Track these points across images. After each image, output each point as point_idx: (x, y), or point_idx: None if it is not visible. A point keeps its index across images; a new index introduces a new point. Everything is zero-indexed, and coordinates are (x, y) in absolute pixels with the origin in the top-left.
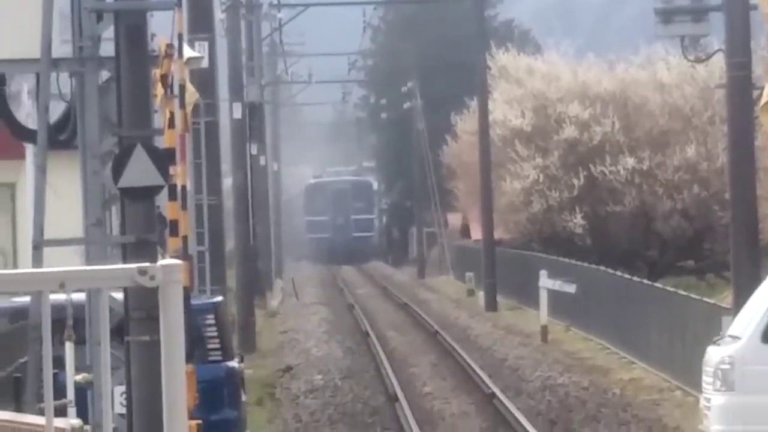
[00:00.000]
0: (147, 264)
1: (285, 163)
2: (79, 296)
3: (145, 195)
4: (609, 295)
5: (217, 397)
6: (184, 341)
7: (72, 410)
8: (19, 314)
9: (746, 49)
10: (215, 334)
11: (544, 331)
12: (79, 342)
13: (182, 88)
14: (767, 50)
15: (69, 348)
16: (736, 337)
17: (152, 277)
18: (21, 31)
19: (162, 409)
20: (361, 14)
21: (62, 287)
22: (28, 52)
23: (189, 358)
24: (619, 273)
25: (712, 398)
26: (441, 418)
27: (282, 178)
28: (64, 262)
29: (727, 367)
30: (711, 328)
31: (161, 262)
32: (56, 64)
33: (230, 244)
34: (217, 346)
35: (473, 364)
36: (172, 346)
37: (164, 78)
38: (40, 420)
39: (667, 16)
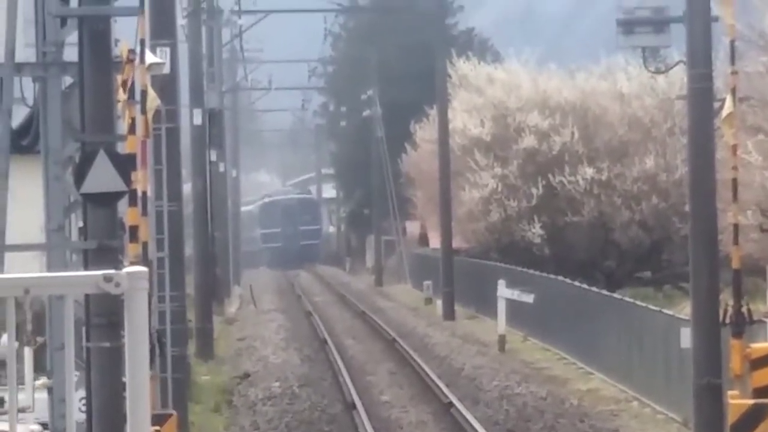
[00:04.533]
0: (112, 271)
1: (244, 169)
2: None
3: (107, 201)
4: (567, 306)
5: None
6: (147, 347)
7: (31, 416)
8: None
9: (707, 60)
10: None
11: (502, 340)
12: None
13: (144, 93)
14: (728, 62)
15: (28, 353)
16: None
17: (117, 284)
18: None
19: (122, 414)
20: (322, 21)
21: (27, 293)
22: None
23: None
24: (577, 283)
25: None
26: (398, 426)
27: (241, 185)
28: (23, 267)
29: None
30: (669, 339)
31: (126, 269)
32: (19, 68)
33: (188, 250)
34: None
35: (431, 373)
36: (137, 352)
37: (125, 83)
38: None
39: (628, 26)
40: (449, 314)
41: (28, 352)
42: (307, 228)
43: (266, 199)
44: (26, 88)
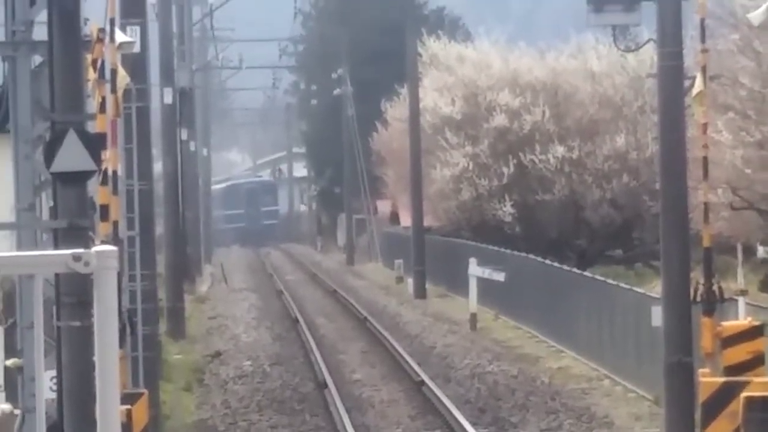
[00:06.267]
0: (82, 250)
1: (215, 148)
2: None
3: (77, 180)
4: (538, 284)
5: None
6: (117, 327)
7: (1, 395)
8: None
9: (678, 38)
10: None
11: (473, 319)
12: None
13: (114, 72)
14: (699, 40)
15: None
16: None
17: (87, 264)
18: None
19: (92, 393)
20: (292, 0)
21: None
22: None
23: None
24: (548, 261)
25: None
26: (370, 405)
27: (212, 164)
28: None
29: None
30: (640, 317)
31: (96, 248)
32: None
33: (159, 229)
34: None
35: (402, 352)
36: (106, 331)
37: (95, 62)
38: None
39: (598, 5)
40: (420, 293)
41: None
42: (267, 209)
43: (229, 182)
44: None
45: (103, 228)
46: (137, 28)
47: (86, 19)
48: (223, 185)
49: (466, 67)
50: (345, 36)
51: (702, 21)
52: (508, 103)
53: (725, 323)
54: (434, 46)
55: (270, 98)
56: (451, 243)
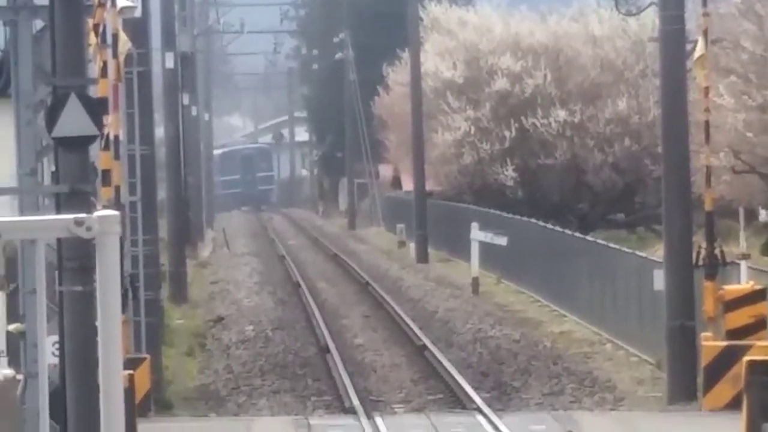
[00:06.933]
0: (84, 215)
1: (216, 113)
2: None
3: (79, 144)
4: (540, 248)
5: None
6: (119, 292)
7: (4, 360)
8: None
9: (680, 2)
10: None
11: (475, 283)
12: None
13: (115, 37)
14: (700, 4)
15: (0, 297)
16: None
17: (89, 228)
18: None
19: (94, 358)
20: None
21: None
22: None
23: None
24: (550, 226)
25: None
26: (372, 369)
27: (213, 128)
28: None
29: None
30: (642, 281)
31: (98, 213)
32: None
33: (161, 194)
34: None
35: (404, 316)
36: (109, 296)
37: (97, 27)
38: None
39: None
40: (422, 257)
41: (0, 297)
42: (263, 174)
43: (225, 149)
44: None
45: (105, 193)
46: None
47: None
48: (220, 151)
49: (468, 31)
50: (346, 0)
51: None
52: (509, 67)
53: (727, 287)
54: (435, 10)
55: (271, 63)
56: (453, 207)
